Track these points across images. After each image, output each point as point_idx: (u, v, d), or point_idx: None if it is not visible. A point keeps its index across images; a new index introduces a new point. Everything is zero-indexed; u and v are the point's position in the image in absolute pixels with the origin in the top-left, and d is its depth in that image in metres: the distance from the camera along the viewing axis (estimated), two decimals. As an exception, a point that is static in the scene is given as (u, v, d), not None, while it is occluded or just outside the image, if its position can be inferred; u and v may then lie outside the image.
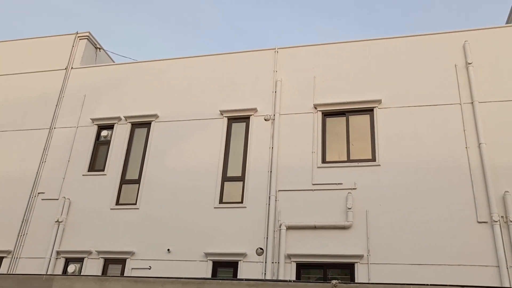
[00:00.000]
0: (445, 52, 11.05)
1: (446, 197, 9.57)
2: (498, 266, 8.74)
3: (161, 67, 13.07)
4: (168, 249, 10.53)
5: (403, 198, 9.79)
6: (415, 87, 10.84)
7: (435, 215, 9.48)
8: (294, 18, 41.45)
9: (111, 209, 11.38)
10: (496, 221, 9.05)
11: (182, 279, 6.16)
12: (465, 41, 10.97)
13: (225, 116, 11.76)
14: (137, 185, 11.56)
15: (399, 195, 9.83)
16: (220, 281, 6.19)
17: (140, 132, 12.32)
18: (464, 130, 10.08)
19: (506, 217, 9.07)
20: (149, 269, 10.40)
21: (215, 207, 10.76)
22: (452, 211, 9.43)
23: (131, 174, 11.80)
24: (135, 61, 13.92)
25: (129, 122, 12.42)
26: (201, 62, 12.79)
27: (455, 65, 10.83)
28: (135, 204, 11.31)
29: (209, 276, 10.03)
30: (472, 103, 10.28)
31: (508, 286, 8.45)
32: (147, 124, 12.30)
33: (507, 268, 8.67)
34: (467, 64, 10.70)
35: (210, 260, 10.23)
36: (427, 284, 6.35)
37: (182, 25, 41.19)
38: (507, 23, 13.80)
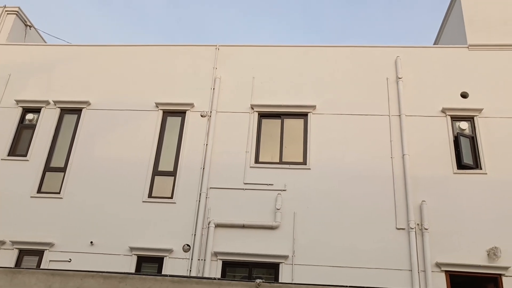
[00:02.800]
0: (378, 65, 11.58)
1: (370, 203, 10.05)
2: (411, 270, 9.33)
3: (97, 52, 12.55)
4: (91, 242, 10.15)
5: (329, 201, 10.15)
6: (349, 96, 11.27)
7: (358, 220, 9.92)
8: (239, 17, 41.53)
9: (31, 197, 10.77)
10: (413, 228, 9.65)
11: (103, 273, 5.95)
12: (397, 56, 11.57)
13: (161, 109, 11.54)
14: (62, 173, 11.03)
15: (326, 199, 10.18)
16: (144, 276, 6.05)
17: (70, 119, 11.77)
18: (390, 141, 10.63)
19: (421, 225, 9.69)
20: (69, 261, 9.97)
21: (143, 201, 10.53)
22: (374, 216, 9.91)
23: (57, 162, 11.24)
24: (69, 43, 13.26)
25: (58, 107, 11.81)
26: (140, 51, 12.45)
27: (387, 78, 11.39)
28: (59, 193, 10.80)
29: (133, 271, 9.80)
30: (399, 115, 10.86)
31: (419, 289, 9.05)
32: (78, 111, 11.77)
33: (418, 272, 9.28)
34: (398, 78, 11.29)
35: (134, 254, 10.00)
36: (346, 286, 6.61)
37: (123, 10, 39.82)
38: (435, 43, 14.74)
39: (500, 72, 11.13)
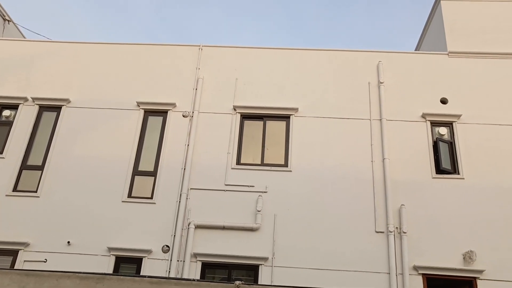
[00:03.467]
0: (360, 69, 11.69)
1: (350, 206, 10.12)
2: (389, 273, 9.43)
3: (78, 49, 12.36)
4: (68, 242, 9.99)
5: (310, 204, 10.19)
6: (331, 99, 11.34)
7: (338, 223, 9.98)
8: (223, 17, 41.49)
9: (6, 195, 10.54)
10: (391, 232, 9.76)
11: (79, 274, 5.83)
12: (379, 61, 11.70)
13: (142, 108, 11.43)
14: (40, 171, 10.83)
15: (307, 201, 10.22)
16: (122, 277, 5.96)
17: (48, 116, 11.55)
18: (371, 145, 10.73)
19: (400, 228, 9.81)
20: (45, 262, 9.78)
21: (123, 201, 10.41)
22: (353, 219, 9.99)
23: (34, 160, 11.03)
24: (49, 39, 13.03)
25: (37, 104, 11.59)
26: (122, 50, 12.30)
27: (369, 83, 11.50)
28: (36, 191, 10.59)
29: (111, 272, 9.66)
30: (380, 120, 10.99)
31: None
32: (57, 108, 11.57)
33: (396, 275, 9.39)
34: (379, 83, 11.42)
35: (113, 255, 9.87)
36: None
37: (106, 7, 39.36)
38: (416, 49, 14.97)
39: (479, 79, 11.35)
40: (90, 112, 11.45)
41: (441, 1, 12.52)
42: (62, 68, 12.09)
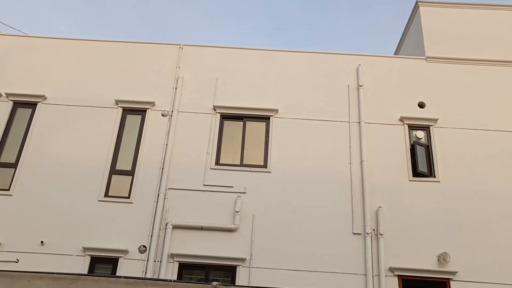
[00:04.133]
0: (340, 72, 11.78)
1: (328, 207, 10.18)
2: (365, 275, 9.51)
3: (55, 45, 12.11)
4: (42, 242, 9.76)
5: (288, 205, 10.21)
6: (311, 101, 11.40)
7: (316, 224, 10.03)
8: (204, 17, 41.31)
9: (-22, 193, 10.25)
10: (369, 233, 9.85)
11: (53, 274, 5.71)
12: (359, 64, 11.81)
13: (120, 106, 11.28)
14: (13, 169, 10.56)
15: (285, 203, 10.23)
16: (96, 278, 5.86)
17: (23, 113, 11.28)
18: (350, 147, 10.82)
19: (377, 230, 9.91)
20: (16, 262, 9.54)
21: (99, 200, 10.24)
22: (331, 221, 10.05)
23: (7, 157, 10.75)
24: (25, 34, 12.74)
25: (11, 100, 11.31)
26: (101, 46, 12.12)
27: (348, 86, 11.60)
28: (8, 190, 10.32)
29: (86, 272, 9.49)
30: (359, 122, 11.09)
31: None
32: (33, 105, 11.31)
33: (373, 276, 9.48)
34: (359, 86, 11.53)
35: (88, 255, 9.70)
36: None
37: (85, 3, 38.70)
38: (396, 53, 15.18)
39: (455, 84, 11.58)
40: (67, 110, 11.24)
41: (420, 7, 12.75)
42: (38, 64, 11.83)
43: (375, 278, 9.49)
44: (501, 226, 10.00)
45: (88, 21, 38.97)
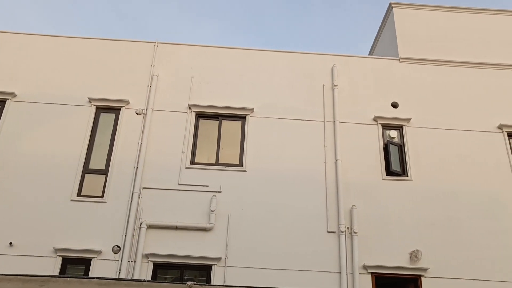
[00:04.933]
0: (316, 72, 11.88)
1: (303, 206, 10.25)
2: (340, 273, 9.62)
3: (26, 41, 11.82)
4: (11, 243, 9.51)
5: (264, 204, 10.23)
6: (286, 101, 11.46)
7: (291, 223, 10.08)
8: (179, 15, 40.98)
9: None
10: (343, 232, 9.97)
11: (22, 277, 5.58)
12: (334, 64, 11.93)
13: (94, 105, 11.08)
14: (-19, 168, 10.26)
15: (261, 202, 10.25)
16: (68, 279, 5.77)
17: (-9, 110, 10.97)
18: (324, 146, 10.92)
19: (351, 229, 10.04)
20: (-15, 264, 9.27)
21: (72, 200, 10.04)
22: (306, 220, 10.12)
23: (-25, 156, 10.43)
24: (-6, 29, 12.37)
25: (-21, 97, 10.98)
26: (74, 43, 11.88)
27: (323, 85, 11.70)
28: (-24, 190, 10.02)
29: (57, 273, 9.30)
30: (334, 122, 11.20)
31: (346, 290, 9.37)
32: (2, 103, 11.00)
33: (347, 274, 9.60)
34: (333, 85, 11.64)
35: (59, 256, 9.50)
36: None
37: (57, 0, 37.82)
38: (370, 53, 15.39)
39: (427, 85, 11.83)
40: (38, 107, 10.98)
41: (393, 8, 12.96)
42: (7, 59, 11.52)
43: (349, 275, 9.61)
44: (471, 224, 10.26)
45: (61, 17, 38.15)
